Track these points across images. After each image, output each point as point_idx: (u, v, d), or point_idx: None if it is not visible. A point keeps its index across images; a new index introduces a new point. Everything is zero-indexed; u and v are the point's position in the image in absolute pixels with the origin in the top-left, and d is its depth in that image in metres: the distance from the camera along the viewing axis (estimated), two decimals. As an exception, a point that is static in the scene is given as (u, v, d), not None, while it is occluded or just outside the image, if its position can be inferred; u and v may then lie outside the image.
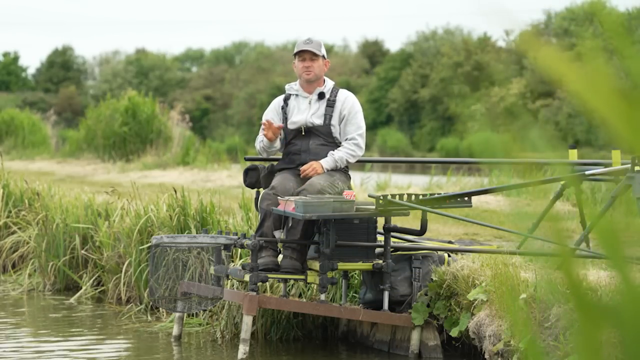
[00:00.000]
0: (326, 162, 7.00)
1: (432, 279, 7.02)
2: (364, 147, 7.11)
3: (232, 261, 7.87)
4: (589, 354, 1.36)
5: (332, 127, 7.09)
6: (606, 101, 1.31)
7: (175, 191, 8.80)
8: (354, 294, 7.49)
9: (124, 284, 8.95)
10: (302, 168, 7.00)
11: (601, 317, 1.35)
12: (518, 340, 5.78)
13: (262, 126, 7.09)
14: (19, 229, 10.78)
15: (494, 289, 6.38)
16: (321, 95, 7.16)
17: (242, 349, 6.70)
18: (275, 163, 7.33)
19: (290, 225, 6.88)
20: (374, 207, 6.84)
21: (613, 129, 1.32)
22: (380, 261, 6.95)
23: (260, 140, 7.16)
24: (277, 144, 7.17)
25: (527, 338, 5.06)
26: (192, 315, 7.99)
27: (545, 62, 1.33)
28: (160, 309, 8.32)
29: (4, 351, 7.17)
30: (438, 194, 7.07)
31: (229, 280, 7.50)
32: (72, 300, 9.36)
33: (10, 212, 11.08)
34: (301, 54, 7.15)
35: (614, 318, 1.35)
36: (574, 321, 1.37)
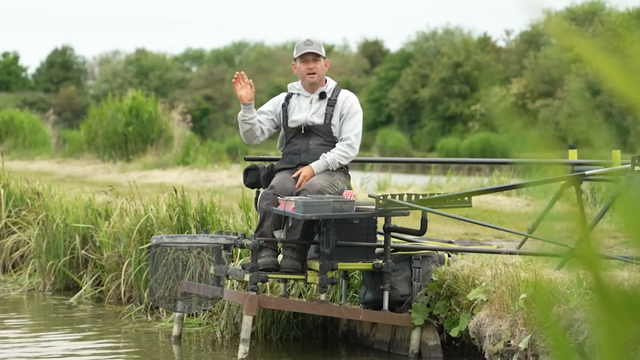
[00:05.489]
0: (317, 166, 6.97)
1: (432, 279, 7.02)
2: (357, 148, 7.06)
3: (232, 261, 7.87)
4: (613, 349, 1.36)
5: (332, 127, 7.08)
6: None
7: (175, 191, 8.79)
8: (354, 294, 7.49)
9: (124, 284, 8.95)
10: (296, 179, 6.96)
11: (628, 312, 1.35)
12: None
13: (234, 79, 7.07)
14: (19, 229, 10.78)
15: (494, 289, 6.38)
16: (322, 95, 7.14)
17: (242, 349, 6.70)
18: (275, 163, 7.33)
19: (290, 225, 6.87)
20: (374, 207, 6.84)
21: None
22: (380, 261, 6.95)
23: (240, 120, 7.10)
24: (252, 114, 7.06)
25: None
26: (192, 315, 7.99)
27: (584, 56, 1.31)
28: (160, 309, 8.31)
29: (4, 351, 7.17)
30: (438, 194, 7.07)
31: (229, 280, 7.50)
32: (72, 300, 9.36)
33: (10, 212, 11.08)
34: (304, 56, 7.12)
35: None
36: (597, 319, 1.37)
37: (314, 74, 7.09)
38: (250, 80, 7.14)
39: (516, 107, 46.41)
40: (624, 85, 1.33)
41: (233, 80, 7.14)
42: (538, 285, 5.71)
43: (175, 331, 7.59)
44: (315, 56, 7.10)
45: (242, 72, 7.14)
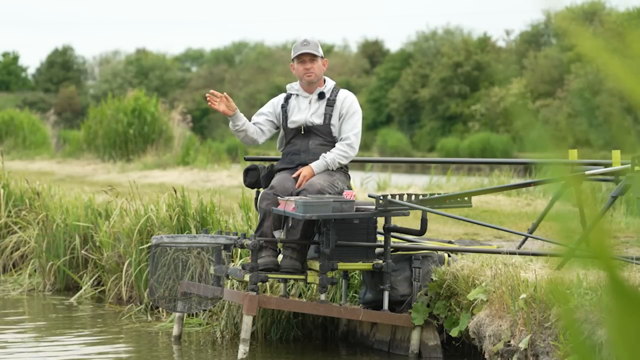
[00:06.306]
0: (317, 166, 6.98)
1: (432, 279, 7.02)
2: (357, 147, 7.07)
3: (232, 261, 7.87)
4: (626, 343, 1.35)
5: (332, 127, 7.08)
6: None
7: (175, 191, 8.79)
8: (354, 294, 7.49)
9: (124, 284, 8.95)
10: (296, 179, 6.97)
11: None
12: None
13: (208, 102, 7.13)
14: (20, 228, 10.78)
15: (494, 289, 6.38)
16: (321, 95, 7.15)
17: (242, 349, 6.70)
18: (275, 163, 7.33)
19: (290, 225, 6.87)
20: (374, 207, 6.84)
21: None
22: (380, 261, 6.95)
23: (232, 131, 7.20)
24: (241, 121, 7.10)
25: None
26: (192, 315, 7.99)
27: (588, 52, 1.31)
28: (160, 309, 8.31)
29: (4, 351, 7.17)
30: (438, 194, 7.06)
31: (229, 280, 7.50)
32: (72, 300, 9.36)
33: (10, 212, 11.08)
34: (300, 56, 7.13)
35: None
36: (610, 313, 1.36)
37: (311, 73, 7.10)
38: (224, 93, 7.15)
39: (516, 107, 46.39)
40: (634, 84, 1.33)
41: (208, 103, 7.17)
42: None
43: (175, 331, 7.59)
44: (312, 56, 7.11)
45: (212, 91, 7.16)
